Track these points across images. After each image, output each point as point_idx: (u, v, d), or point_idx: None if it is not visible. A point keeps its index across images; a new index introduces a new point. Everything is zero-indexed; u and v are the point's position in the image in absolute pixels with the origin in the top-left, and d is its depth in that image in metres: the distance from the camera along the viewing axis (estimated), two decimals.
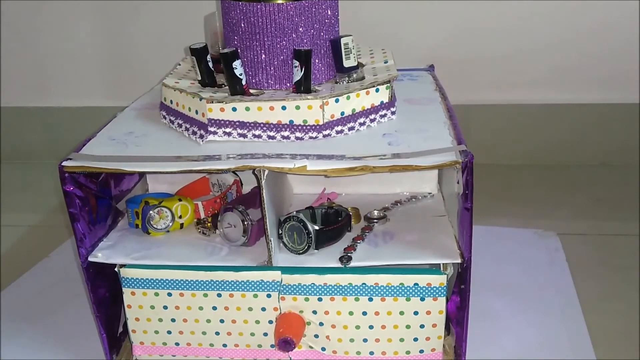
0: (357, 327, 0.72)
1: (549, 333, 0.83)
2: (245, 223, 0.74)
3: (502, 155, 1.37)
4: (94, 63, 1.46)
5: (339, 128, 0.74)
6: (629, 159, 1.34)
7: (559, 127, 1.35)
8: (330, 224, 0.74)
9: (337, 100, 0.72)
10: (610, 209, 1.18)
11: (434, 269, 0.71)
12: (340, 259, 0.71)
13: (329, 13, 0.78)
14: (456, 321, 0.73)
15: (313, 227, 0.71)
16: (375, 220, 0.79)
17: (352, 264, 0.71)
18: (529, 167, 1.37)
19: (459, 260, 0.70)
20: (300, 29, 0.75)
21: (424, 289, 0.70)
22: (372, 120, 0.77)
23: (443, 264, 0.70)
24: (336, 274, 0.70)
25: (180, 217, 0.80)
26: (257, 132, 0.73)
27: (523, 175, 1.34)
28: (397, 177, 0.88)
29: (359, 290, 0.70)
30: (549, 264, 0.99)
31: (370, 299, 0.71)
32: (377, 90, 0.76)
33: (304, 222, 0.71)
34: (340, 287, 0.70)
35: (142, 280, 0.73)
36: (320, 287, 0.70)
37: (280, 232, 0.73)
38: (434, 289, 0.69)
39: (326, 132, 0.73)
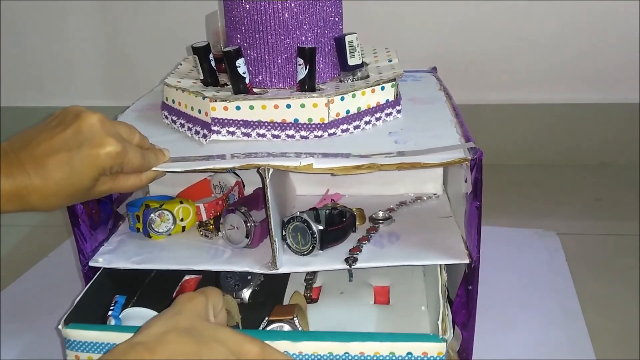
0: None
1: (549, 333, 0.82)
2: (248, 225, 0.72)
3: (502, 155, 1.37)
4: (94, 63, 1.45)
5: (345, 126, 0.73)
6: (629, 159, 1.35)
7: (559, 127, 1.35)
8: (335, 224, 0.73)
9: (342, 99, 0.71)
10: (610, 209, 1.18)
11: (431, 334, 0.61)
12: (346, 260, 0.70)
13: (333, 11, 0.77)
14: (462, 324, 0.72)
15: (317, 228, 0.70)
16: (381, 221, 0.78)
17: (358, 265, 0.69)
18: (529, 167, 1.37)
19: (467, 261, 0.68)
20: (304, 27, 0.74)
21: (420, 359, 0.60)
22: (377, 119, 0.76)
23: (442, 328, 0.62)
24: (314, 341, 0.60)
25: (182, 219, 0.78)
26: (261, 131, 0.72)
27: (523, 175, 1.34)
28: (402, 178, 0.87)
29: None
30: (549, 264, 0.98)
31: None
32: (382, 89, 0.75)
33: (308, 223, 0.70)
34: (319, 357, 0.60)
35: (88, 344, 0.63)
36: (294, 356, 0.60)
37: (284, 233, 0.72)
38: None
39: (331, 131, 0.72)
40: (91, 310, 0.68)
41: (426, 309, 0.72)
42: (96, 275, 0.73)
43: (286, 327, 0.64)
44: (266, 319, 0.66)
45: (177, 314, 0.51)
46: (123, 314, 0.67)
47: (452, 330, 0.64)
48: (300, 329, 0.64)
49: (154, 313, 0.65)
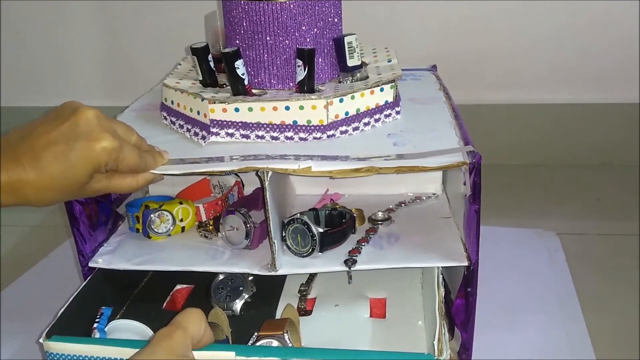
0: None
1: (549, 333, 0.82)
2: (248, 226, 0.72)
3: (502, 155, 1.37)
4: (94, 63, 1.45)
5: (343, 128, 0.73)
6: (629, 159, 1.34)
7: (559, 127, 1.35)
8: (335, 225, 0.73)
9: (341, 100, 0.71)
10: (610, 209, 1.18)
11: (426, 353, 0.60)
12: (345, 262, 0.70)
13: (332, 11, 0.77)
14: (461, 325, 0.72)
15: (317, 230, 0.69)
16: (380, 222, 0.78)
17: (357, 267, 0.69)
18: (529, 167, 1.37)
19: (465, 263, 0.68)
20: (303, 28, 0.74)
21: None
22: (376, 120, 0.76)
23: (438, 348, 0.59)
24: (303, 358, 0.57)
25: (181, 220, 0.79)
26: (260, 133, 0.72)
27: (523, 175, 1.34)
28: (401, 178, 0.87)
29: None
30: (549, 264, 0.98)
31: None
32: (381, 90, 0.75)
33: (308, 225, 0.70)
34: None
35: (71, 358, 0.60)
36: None
37: (283, 234, 0.72)
38: None
39: (330, 133, 0.72)
40: (75, 323, 0.66)
41: (423, 324, 0.70)
42: (81, 286, 0.72)
43: (275, 343, 0.62)
44: (255, 334, 0.64)
45: (151, 354, 0.49)
46: (109, 327, 0.64)
47: (448, 352, 0.62)
48: (290, 345, 0.62)
49: (141, 325, 0.64)
